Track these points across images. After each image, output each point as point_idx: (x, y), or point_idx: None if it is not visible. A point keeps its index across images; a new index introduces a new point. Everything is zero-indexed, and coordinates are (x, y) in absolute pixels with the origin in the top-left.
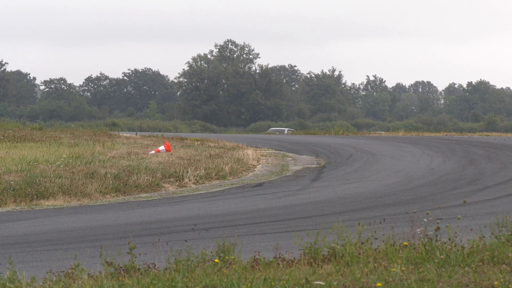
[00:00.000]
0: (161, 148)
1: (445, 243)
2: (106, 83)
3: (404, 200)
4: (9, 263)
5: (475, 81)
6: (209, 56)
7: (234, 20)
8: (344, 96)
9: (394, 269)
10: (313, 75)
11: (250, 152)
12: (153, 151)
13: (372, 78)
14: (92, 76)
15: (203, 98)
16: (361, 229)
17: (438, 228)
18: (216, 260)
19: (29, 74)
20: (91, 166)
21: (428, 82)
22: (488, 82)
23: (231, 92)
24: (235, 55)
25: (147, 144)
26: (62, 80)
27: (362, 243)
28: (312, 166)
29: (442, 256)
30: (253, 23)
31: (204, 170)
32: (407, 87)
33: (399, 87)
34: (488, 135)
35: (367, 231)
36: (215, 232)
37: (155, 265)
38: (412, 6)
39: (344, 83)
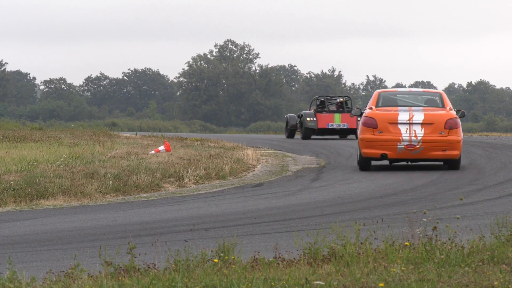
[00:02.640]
0: (161, 148)
1: (445, 243)
2: (106, 83)
3: (404, 200)
4: (9, 263)
5: (475, 81)
6: (209, 56)
7: (234, 20)
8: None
9: (394, 269)
10: (313, 75)
11: (250, 152)
12: (153, 151)
13: (372, 78)
14: (92, 76)
15: (203, 98)
16: (358, 229)
17: (435, 227)
18: (216, 260)
19: (29, 74)
20: (91, 166)
21: (428, 82)
22: (488, 82)
23: (231, 92)
24: (235, 55)
25: (147, 144)
26: (62, 80)
27: (362, 243)
28: (312, 166)
29: (442, 256)
30: (253, 22)
31: (204, 170)
32: (407, 87)
33: (398, 87)
34: (488, 135)
35: (367, 231)
36: (215, 232)
37: (155, 265)
38: (412, 6)
39: (344, 83)
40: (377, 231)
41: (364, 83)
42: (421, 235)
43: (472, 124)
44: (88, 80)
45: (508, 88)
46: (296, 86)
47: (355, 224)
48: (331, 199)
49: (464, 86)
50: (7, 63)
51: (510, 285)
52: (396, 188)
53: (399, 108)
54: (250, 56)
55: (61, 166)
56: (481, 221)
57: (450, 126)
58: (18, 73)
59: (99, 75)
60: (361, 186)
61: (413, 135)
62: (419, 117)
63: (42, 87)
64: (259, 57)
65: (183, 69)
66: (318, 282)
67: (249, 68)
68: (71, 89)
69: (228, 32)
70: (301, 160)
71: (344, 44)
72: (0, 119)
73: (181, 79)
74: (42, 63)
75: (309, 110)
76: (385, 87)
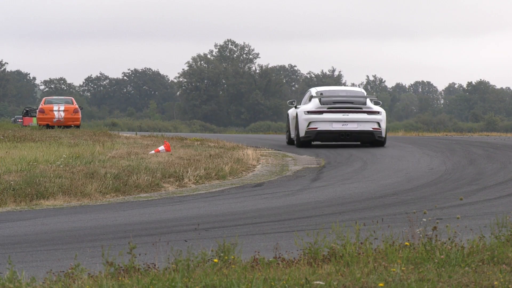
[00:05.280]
0: (161, 148)
1: (444, 243)
2: (106, 83)
3: (404, 200)
4: (9, 263)
5: (475, 81)
6: (209, 56)
7: (234, 20)
8: None
9: (394, 269)
10: (313, 75)
11: (250, 152)
12: (153, 151)
13: (372, 78)
14: (92, 76)
15: (203, 98)
16: (358, 228)
17: (435, 227)
18: (216, 260)
19: (29, 74)
20: (91, 166)
21: (428, 82)
22: (488, 82)
23: (231, 92)
24: (235, 55)
25: (147, 144)
26: (62, 80)
27: (362, 243)
28: (312, 166)
29: (442, 256)
30: (253, 22)
31: (204, 170)
32: (407, 87)
33: (399, 87)
34: (488, 135)
35: (367, 231)
36: (215, 232)
37: (155, 265)
38: (412, 6)
39: (344, 83)
40: (377, 231)
41: (364, 83)
42: (421, 235)
43: (472, 124)
44: (88, 80)
45: (508, 88)
46: (296, 86)
47: (355, 224)
48: (331, 199)
49: (464, 86)
50: (7, 63)
51: (510, 285)
52: (396, 188)
53: (53, 104)
54: (250, 56)
55: (61, 166)
56: (481, 221)
57: (75, 111)
58: (18, 73)
59: (99, 75)
60: (361, 186)
61: (60, 115)
62: (61, 108)
63: (42, 87)
64: (259, 57)
65: (183, 69)
66: (318, 282)
67: (249, 68)
68: (71, 89)
69: (228, 32)
70: (301, 160)
71: (344, 44)
72: (0, 119)
73: (181, 79)
74: (42, 63)
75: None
76: (385, 87)
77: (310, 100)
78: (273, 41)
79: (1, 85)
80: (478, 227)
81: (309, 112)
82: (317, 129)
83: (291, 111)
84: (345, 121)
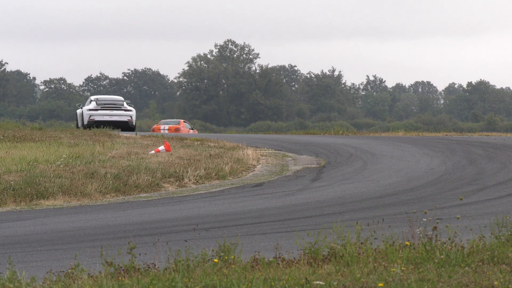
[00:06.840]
0: (161, 148)
1: (444, 243)
2: (106, 83)
3: (404, 200)
4: (9, 263)
5: (475, 81)
6: (209, 56)
7: (234, 20)
8: (344, 96)
9: (394, 269)
10: (313, 75)
11: (250, 152)
12: (153, 151)
13: (372, 78)
14: (92, 76)
15: (203, 98)
16: (359, 229)
17: (435, 227)
18: (216, 260)
19: (29, 74)
20: (91, 166)
21: (428, 82)
22: (488, 82)
23: (231, 92)
24: (235, 55)
25: (147, 144)
26: (62, 80)
27: (362, 243)
28: (312, 166)
29: (442, 256)
30: (253, 23)
31: (204, 170)
32: (407, 87)
33: (399, 87)
34: (488, 135)
35: (367, 231)
36: (215, 232)
37: (155, 265)
38: (412, 6)
39: (344, 83)
40: (377, 231)
41: (364, 83)
42: (421, 235)
43: (472, 124)
44: (88, 80)
45: (508, 88)
46: (296, 86)
47: (356, 224)
48: (331, 199)
49: (464, 86)
50: (7, 63)
51: (510, 285)
52: (396, 188)
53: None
54: (250, 56)
55: (61, 166)
56: (481, 221)
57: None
58: (18, 73)
59: (99, 75)
60: (361, 186)
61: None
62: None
63: (42, 87)
64: (259, 57)
65: (183, 69)
66: (318, 282)
67: (249, 68)
68: (71, 89)
69: (228, 32)
70: (301, 160)
71: (344, 44)
72: (0, 119)
73: (181, 79)
74: (42, 63)
75: None
76: (385, 87)
77: (90, 103)
78: (273, 41)
79: (1, 85)
80: (478, 227)
81: (90, 110)
82: (95, 119)
83: (79, 110)
84: (111, 115)
